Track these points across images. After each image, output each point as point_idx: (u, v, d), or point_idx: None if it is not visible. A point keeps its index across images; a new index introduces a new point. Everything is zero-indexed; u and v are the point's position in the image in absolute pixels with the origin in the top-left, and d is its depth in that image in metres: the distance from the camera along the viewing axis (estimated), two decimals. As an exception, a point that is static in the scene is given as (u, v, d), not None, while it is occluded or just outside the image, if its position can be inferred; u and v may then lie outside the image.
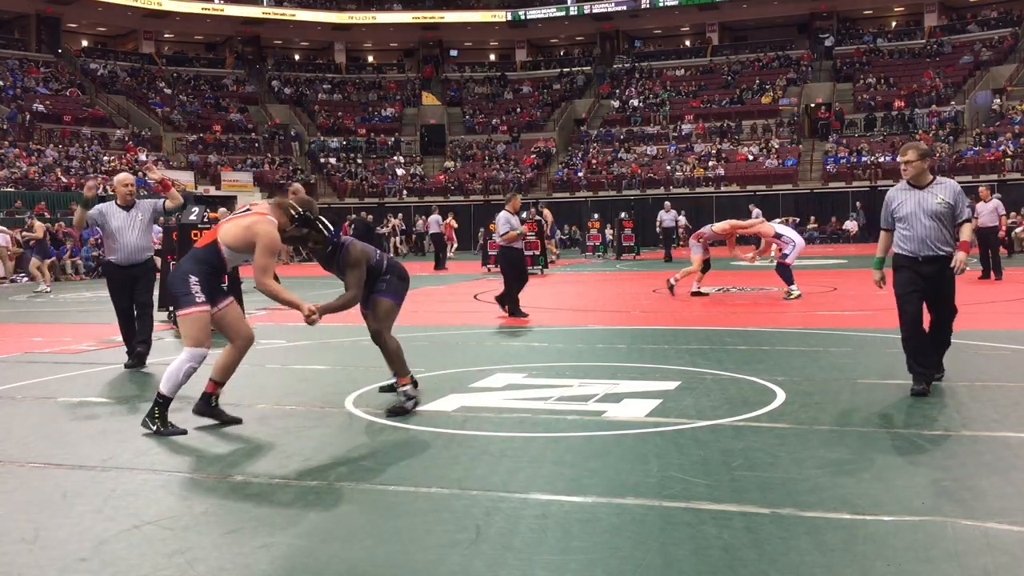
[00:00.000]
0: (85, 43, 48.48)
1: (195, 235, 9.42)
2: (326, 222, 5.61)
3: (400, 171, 43.79)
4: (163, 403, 5.30)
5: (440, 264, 24.62)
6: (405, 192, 42.26)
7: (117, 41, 49.51)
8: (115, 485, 4.42)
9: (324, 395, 6.49)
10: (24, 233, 21.97)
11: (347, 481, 4.38)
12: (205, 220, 11.08)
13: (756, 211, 26.78)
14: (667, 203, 27.53)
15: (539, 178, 42.54)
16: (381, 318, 5.91)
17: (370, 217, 30.12)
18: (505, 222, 11.62)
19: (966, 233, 6.12)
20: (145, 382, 7.44)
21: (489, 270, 22.48)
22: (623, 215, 28.82)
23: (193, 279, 5.26)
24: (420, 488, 4.21)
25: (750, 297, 13.86)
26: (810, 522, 3.62)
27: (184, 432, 5.27)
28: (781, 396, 6.06)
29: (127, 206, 8.11)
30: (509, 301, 11.57)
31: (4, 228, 22.34)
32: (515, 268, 11.71)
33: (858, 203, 36.18)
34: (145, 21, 47.36)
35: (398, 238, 34.97)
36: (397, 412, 5.71)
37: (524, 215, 24.32)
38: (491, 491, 4.13)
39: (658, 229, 26.37)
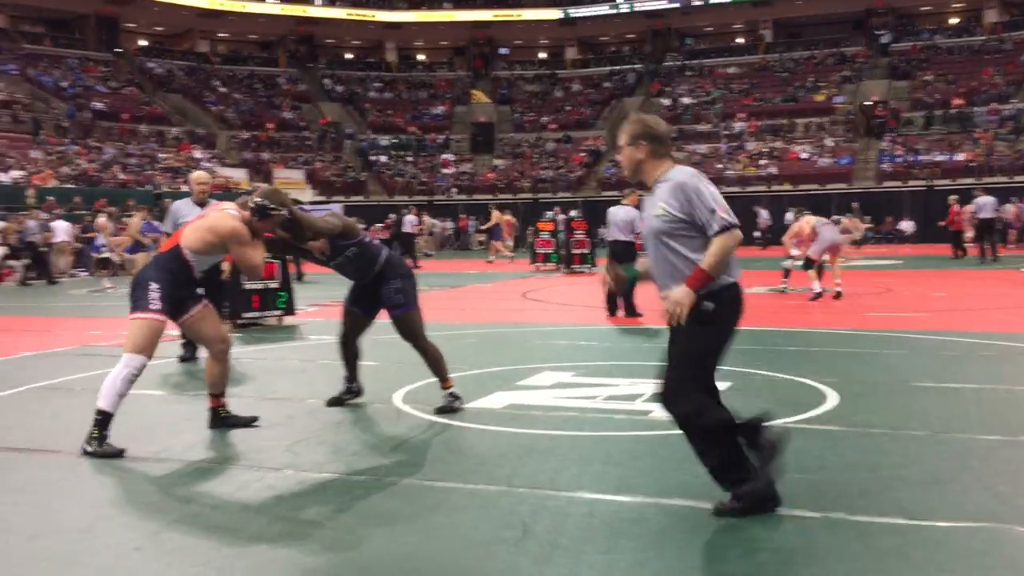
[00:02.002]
0: (143, 42, 49.39)
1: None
2: (299, 214, 5.37)
3: (449, 169, 43.96)
4: (102, 420, 4.88)
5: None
6: (455, 190, 42.41)
7: (173, 40, 50.38)
8: (168, 476, 4.50)
9: (372, 391, 6.53)
10: (95, 229, 22.37)
11: (394, 476, 4.41)
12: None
13: (788, 214, 25.92)
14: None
15: (588, 177, 42.42)
16: (417, 333, 5.79)
17: (392, 216, 30.32)
18: (632, 219, 11.07)
19: (709, 256, 3.66)
20: (197, 375, 7.56)
21: (538, 268, 22.49)
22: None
23: (153, 286, 5.04)
24: (467, 485, 4.23)
25: (802, 297, 13.66)
26: (862, 527, 3.56)
27: (120, 453, 4.82)
28: (833, 398, 5.97)
29: (201, 203, 8.25)
30: (631, 299, 11.01)
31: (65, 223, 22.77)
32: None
33: (855, 204, 34.27)
34: (201, 21, 48.13)
35: (423, 237, 34.67)
36: (447, 410, 5.73)
37: (565, 215, 24.42)
38: (538, 489, 4.13)
39: None
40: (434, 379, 5.91)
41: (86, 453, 4.83)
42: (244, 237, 5.10)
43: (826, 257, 13.24)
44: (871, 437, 4.97)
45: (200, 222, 5.22)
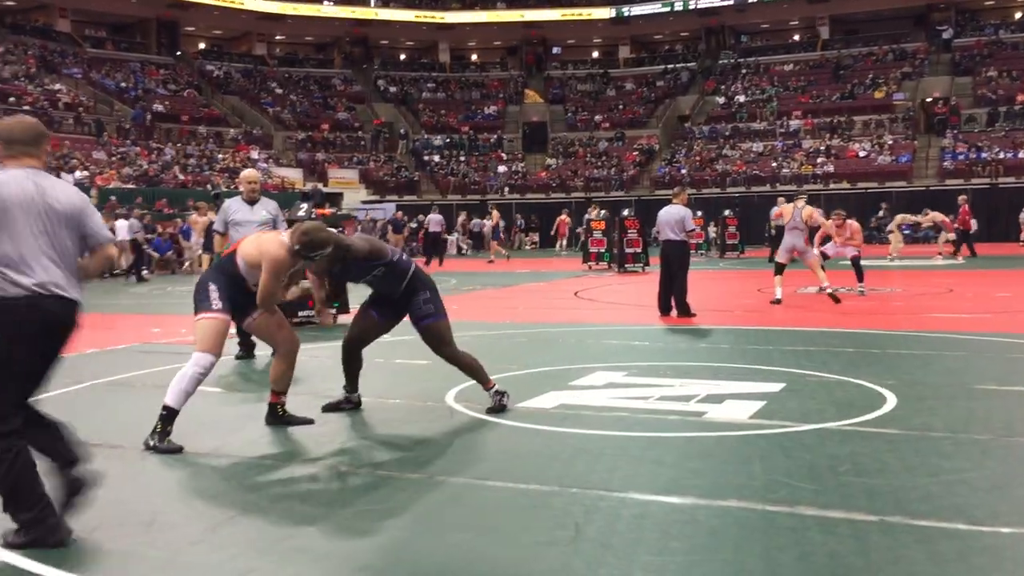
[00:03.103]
0: (202, 45, 50.32)
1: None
2: (340, 244, 5.26)
3: (502, 168, 44.05)
4: (167, 416, 4.97)
5: (429, 262, 24.09)
6: (507, 189, 42.48)
7: (232, 43, 51.23)
8: (226, 471, 4.58)
9: (426, 390, 6.58)
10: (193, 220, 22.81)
11: (447, 475, 4.44)
12: (313, 216, 11.37)
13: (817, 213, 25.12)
14: (781, 199, 25.81)
15: (642, 175, 42.18)
16: (448, 341, 5.73)
17: (399, 214, 30.45)
18: (683, 218, 10.95)
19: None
20: (256, 373, 7.69)
21: (590, 267, 22.42)
22: (727, 212, 28.29)
23: (212, 287, 5.18)
24: (519, 484, 4.23)
25: (857, 298, 13.43)
26: (921, 531, 3.50)
27: (179, 450, 4.89)
28: (892, 401, 5.86)
29: (251, 201, 8.38)
30: (684, 299, 10.95)
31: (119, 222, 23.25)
32: (687, 264, 11.10)
33: (884, 204, 33.65)
34: (258, 23, 48.85)
35: (461, 236, 34.69)
36: (498, 409, 5.74)
37: (593, 214, 24.40)
38: (590, 489, 4.12)
39: (772, 227, 23.90)
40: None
41: (148, 447, 4.91)
42: (279, 267, 5.08)
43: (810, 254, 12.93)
44: (931, 441, 4.87)
45: (256, 238, 5.35)
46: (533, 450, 4.88)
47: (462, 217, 34.66)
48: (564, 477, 4.32)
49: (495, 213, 29.37)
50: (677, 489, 4.09)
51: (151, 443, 4.93)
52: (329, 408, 5.89)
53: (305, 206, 11.59)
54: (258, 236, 5.38)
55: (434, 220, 26.22)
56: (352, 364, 5.90)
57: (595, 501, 3.95)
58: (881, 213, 29.52)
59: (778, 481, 4.18)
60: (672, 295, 11.03)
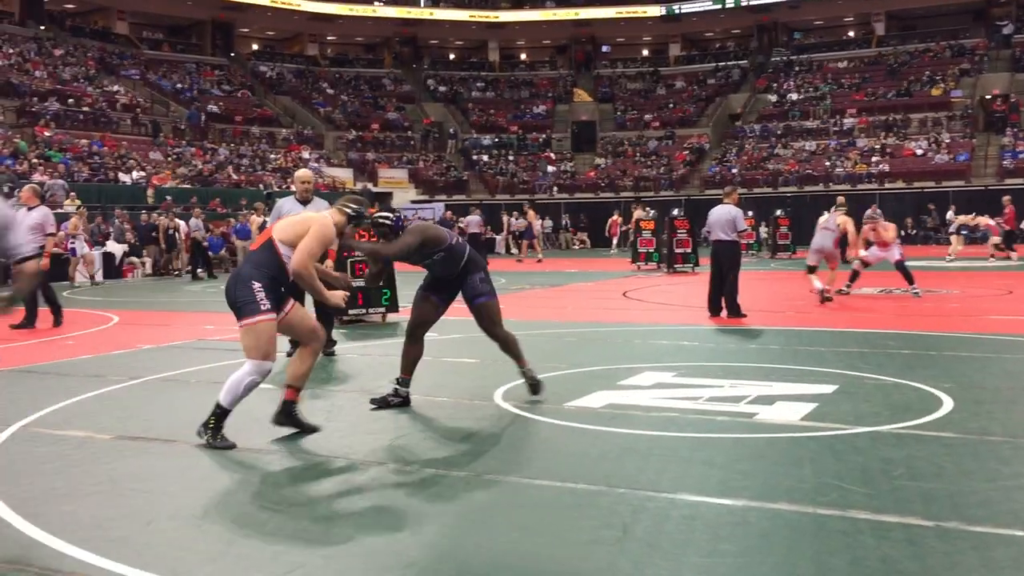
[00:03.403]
0: (255, 47, 51.05)
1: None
2: (386, 213, 5.75)
3: (551, 168, 44.01)
4: (220, 414, 4.93)
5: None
6: (556, 189, 42.43)
7: (284, 44, 51.90)
8: (277, 466, 4.64)
9: (474, 388, 6.59)
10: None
11: (495, 473, 4.44)
12: (364, 215, 11.45)
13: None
14: (840, 198, 25.09)
15: (692, 175, 41.85)
16: (498, 321, 6.05)
17: (448, 214, 30.41)
18: (734, 218, 10.82)
19: None
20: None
21: (639, 267, 22.30)
22: (779, 212, 27.95)
23: (257, 284, 4.83)
24: (567, 483, 4.22)
25: (914, 299, 13.18)
26: (978, 537, 3.42)
27: (233, 446, 4.89)
28: (948, 404, 5.74)
29: (304, 201, 8.44)
30: (735, 299, 10.85)
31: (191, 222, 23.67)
32: (738, 265, 11.00)
33: (931, 205, 32.75)
34: (310, 24, 49.42)
35: (509, 236, 34.45)
36: (537, 389, 6.05)
37: (639, 213, 24.24)
38: (638, 489, 4.09)
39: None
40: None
41: (206, 445, 4.92)
42: (328, 238, 4.96)
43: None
44: (989, 445, 4.76)
45: (286, 221, 5.09)
46: (580, 449, 4.86)
47: (506, 216, 34.46)
48: (612, 477, 4.30)
49: (531, 212, 29.13)
50: (727, 491, 4.05)
51: (206, 439, 4.93)
52: (377, 403, 5.94)
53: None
54: (286, 219, 5.09)
55: (473, 221, 26.26)
56: (413, 351, 6.03)
57: (643, 501, 3.92)
58: (929, 216, 28.76)
59: (830, 484, 4.12)
60: (723, 295, 10.93)
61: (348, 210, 5.21)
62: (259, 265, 4.93)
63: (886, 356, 7.78)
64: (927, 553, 3.28)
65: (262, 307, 4.81)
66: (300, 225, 4.98)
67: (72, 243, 19.45)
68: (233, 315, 4.97)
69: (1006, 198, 24.85)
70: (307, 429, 5.22)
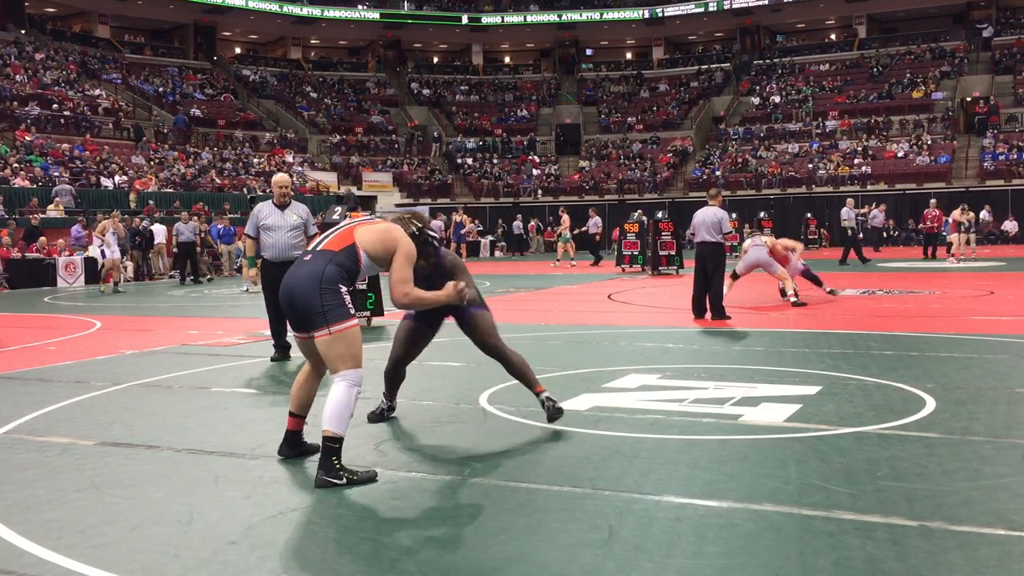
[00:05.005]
0: (238, 50, 50.89)
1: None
2: (433, 232, 5.18)
3: (536, 172, 44.04)
4: (339, 447, 4.38)
5: None
6: (540, 192, 42.47)
7: (267, 48, 51.77)
8: (263, 472, 4.62)
9: (459, 392, 6.59)
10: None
11: (480, 477, 4.44)
12: (347, 220, 11.44)
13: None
14: (850, 200, 23.78)
15: (675, 177, 41.99)
16: (492, 332, 5.46)
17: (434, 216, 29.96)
18: (720, 220, 10.81)
19: None
20: (290, 375, 7.74)
21: (624, 270, 22.36)
22: (762, 214, 28.10)
23: (343, 288, 4.45)
24: (552, 487, 4.23)
25: (896, 300, 13.27)
26: (961, 536, 3.44)
27: (374, 475, 4.46)
28: (931, 404, 5.78)
29: (282, 206, 8.43)
30: (719, 301, 10.85)
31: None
32: (723, 266, 11.00)
33: (931, 199, 33.03)
34: (294, 28, 49.33)
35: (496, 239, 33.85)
36: (556, 416, 5.34)
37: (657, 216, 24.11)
38: (623, 492, 4.10)
39: (848, 229, 22.27)
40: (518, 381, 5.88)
41: (346, 484, 4.32)
42: (414, 258, 4.63)
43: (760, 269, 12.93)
44: (971, 445, 4.80)
45: (380, 227, 4.67)
46: (566, 452, 4.87)
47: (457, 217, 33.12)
48: (597, 480, 4.31)
49: (565, 217, 27.91)
50: (712, 492, 4.07)
51: (345, 479, 4.34)
52: (374, 418, 5.71)
53: (340, 209, 11.68)
54: (377, 228, 4.65)
55: (435, 225, 26.23)
56: (397, 377, 5.74)
57: (628, 504, 3.93)
58: (865, 212, 28.02)
59: (814, 485, 4.14)
60: (708, 297, 10.96)
61: (413, 228, 4.84)
62: (341, 268, 4.51)
63: (869, 357, 7.83)
64: (911, 553, 3.30)
65: (351, 311, 4.45)
66: (387, 238, 4.59)
67: (100, 246, 19.36)
68: (293, 323, 4.58)
69: (932, 201, 25.85)
70: (313, 450, 4.81)
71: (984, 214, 32.99)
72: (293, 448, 4.86)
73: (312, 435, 4.80)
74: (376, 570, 3.30)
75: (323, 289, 4.39)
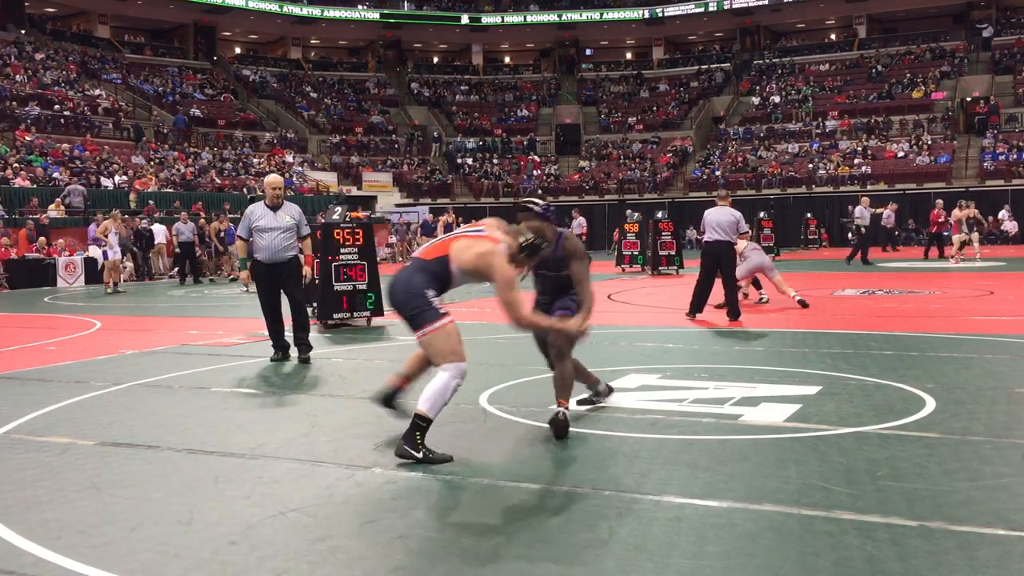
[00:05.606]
0: (238, 50, 50.87)
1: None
2: (540, 242, 5.04)
3: (537, 172, 44.04)
4: (426, 427, 4.70)
5: None
6: (540, 192, 42.47)
7: (267, 48, 51.74)
8: (262, 472, 4.62)
9: (460, 392, 6.57)
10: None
11: (479, 477, 4.44)
12: (347, 219, 11.45)
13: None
14: (865, 199, 23.27)
15: (675, 177, 41.98)
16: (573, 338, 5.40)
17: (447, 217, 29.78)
18: (737, 220, 10.75)
19: None
20: (290, 375, 7.75)
21: (623, 270, 22.35)
22: (762, 214, 28.08)
23: (431, 293, 4.72)
24: (552, 486, 4.23)
25: (896, 300, 13.27)
26: (961, 536, 3.44)
27: (450, 459, 4.70)
28: (931, 404, 5.78)
29: (274, 207, 8.42)
30: (735, 300, 10.82)
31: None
32: (735, 265, 11.00)
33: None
34: (294, 28, 49.30)
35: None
36: (563, 435, 5.17)
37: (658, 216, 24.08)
38: (624, 492, 4.10)
39: (861, 228, 21.86)
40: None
41: (421, 460, 4.63)
42: (512, 283, 4.73)
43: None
44: (972, 445, 4.80)
45: (472, 243, 4.78)
46: (566, 452, 4.87)
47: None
48: (597, 480, 4.31)
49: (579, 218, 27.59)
50: (712, 492, 4.07)
51: (423, 454, 4.65)
52: (584, 402, 5.88)
53: (340, 209, 11.69)
54: (470, 245, 4.78)
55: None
56: (568, 367, 5.57)
57: (628, 504, 3.93)
58: (880, 211, 27.81)
59: (814, 485, 4.14)
60: (708, 296, 10.98)
61: (523, 240, 4.83)
62: (433, 275, 4.77)
63: (869, 357, 7.83)
64: (911, 553, 3.30)
65: (442, 311, 4.71)
66: (481, 264, 4.72)
67: (103, 246, 19.35)
68: (405, 324, 4.82)
69: (939, 202, 25.63)
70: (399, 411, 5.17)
71: (1003, 214, 33.04)
72: (384, 401, 5.20)
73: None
74: (376, 570, 3.29)
75: (409, 295, 4.74)
